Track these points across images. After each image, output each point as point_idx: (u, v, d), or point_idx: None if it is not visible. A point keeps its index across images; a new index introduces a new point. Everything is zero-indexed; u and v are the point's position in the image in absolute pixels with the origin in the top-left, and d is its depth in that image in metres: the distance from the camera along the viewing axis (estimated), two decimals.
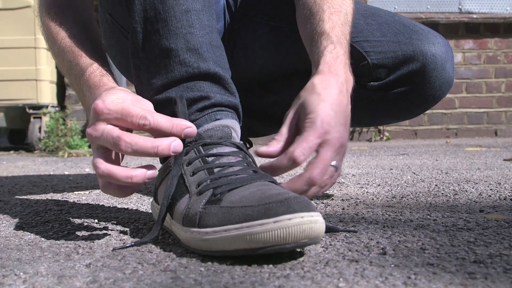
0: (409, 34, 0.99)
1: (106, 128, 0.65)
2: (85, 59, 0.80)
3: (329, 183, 0.74)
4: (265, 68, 1.13)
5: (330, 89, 0.74)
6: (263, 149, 0.73)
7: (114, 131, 0.64)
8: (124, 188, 0.67)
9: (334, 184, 0.74)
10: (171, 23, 0.74)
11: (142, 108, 0.66)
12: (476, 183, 1.28)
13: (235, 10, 1.12)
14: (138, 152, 0.64)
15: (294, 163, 0.70)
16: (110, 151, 0.67)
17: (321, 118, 0.71)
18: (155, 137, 0.66)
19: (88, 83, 0.77)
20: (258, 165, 0.72)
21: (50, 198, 1.22)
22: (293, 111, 0.76)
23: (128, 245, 0.68)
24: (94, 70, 0.78)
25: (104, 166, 0.65)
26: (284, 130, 0.75)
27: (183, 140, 0.67)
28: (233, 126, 0.75)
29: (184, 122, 0.66)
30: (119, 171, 0.64)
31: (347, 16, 0.87)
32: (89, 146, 3.42)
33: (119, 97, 0.68)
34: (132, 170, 0.65)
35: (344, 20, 0.85)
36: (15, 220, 0.93)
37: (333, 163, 0.73)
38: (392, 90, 1.01)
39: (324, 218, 0.61)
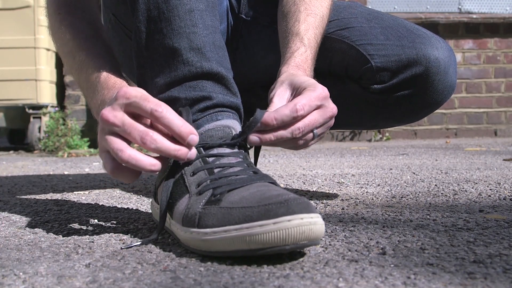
0: (412, 38, 0.99)
1: (127, 120, 0.66)
2: (101, 60, 0.81)
3: (304, 144, 0.77)
4: (267, 70, 1.13)
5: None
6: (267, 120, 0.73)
7: (139, 125, 0.66)
8: (135, 172, 0.69)
9: (307, 145, 0.78)
10: (174, 22, 0.75)
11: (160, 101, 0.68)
12: (476, 183, 1.28)
13: (238, 12, 1.12)
14: (160, 150, 0.65)
15: (294, 114, 0.72)
16: (125, 139, 0.67)
17: (322, 86, 0.77)
18: (159, 130, 0.67)
19: (107, 83, 0.77)
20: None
21: (49, 198, 1.22)
22: (284, 88, 0.79)
23: (134, 244, 0.69)
24: (113, 71, 0.79)
25: (130, 151, 0.66)
26: (281, 104, 0.77)
27: None
28: (234, 126, 0.75)
29: (193, 129, 0.67)
30: (144, 158, 0.66)
31: (323, 18, 0.95)
32: (89, 146, 3.42)
33: (141, 91, 0.68)
34: (153, 159, 0.66)
35: (319, 23, 0.94)
36: (14, 220, 0.93)
37: (315, 130, 0.77)
38: (395, 94, 1.01)
39: (324, 218, 0.61)
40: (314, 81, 0.78)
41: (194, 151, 0.67)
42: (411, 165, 1.84)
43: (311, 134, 0.77)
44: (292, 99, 0.77)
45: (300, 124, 0.74)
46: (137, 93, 0.66)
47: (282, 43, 0.93)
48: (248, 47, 1.13)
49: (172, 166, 0.71)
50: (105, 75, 0.77)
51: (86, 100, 0.83)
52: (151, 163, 0.66)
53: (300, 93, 0.76)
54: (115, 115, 0.66)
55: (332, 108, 0.77)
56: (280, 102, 0.77)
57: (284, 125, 0.73)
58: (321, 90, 0.76)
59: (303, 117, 0.74)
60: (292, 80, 0.79)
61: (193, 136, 0.66)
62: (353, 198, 1.08)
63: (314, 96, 0.75)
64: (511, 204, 0.97)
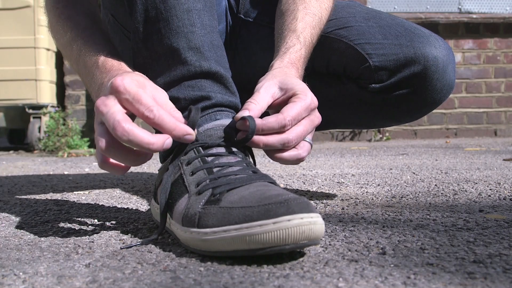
0: (410, 37, 0.99)
1: (112, 109, 0.64)
2: (98, 46, 0.80)
3: (305, 154, 0.77)
4: (266, 70, 1.13)
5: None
6: (245, 112, 0.73)
7: (118, 114, 0.64)
8: (122, 166, 0.67)
9: (305, 156, 0.78)
10: (172, 22, 0.75)
11: (154, 99, 0.66)
12: (476, 183, 1.28)
13: (237, 12, 1.12)
14: (132, 143, 0.63)
15: (282, 129, 0.72)
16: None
17: (312, 95, 0.76)
18: (155, 130, 0.66)
19: (105, 66, 0.75)
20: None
21: (49, 198, 1.22)
22: (274, 83, 0.77)
23: (134, 244, 0.69)
24: (111, 55, 0.77)
25: (107, 143, 0.64)
26: (267, 98, 0.75)
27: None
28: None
29: (186, 128, 0.66)
30: (119, 154, 0.64)
31: (321, 19, 0.94)
32: (89, 146, 3.42)
33: (138, 81, 0.67)
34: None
35: (317, 23, 0.93)
36: (14, 220, 0.93)
37: (309, 139, 0.77)
38: (394, 93, 1.01)
39: (324, 218, 0.61)
40: (304, 86, 0.77)
41: (170, 141, 0.65)
42: (411, 165, 1.84)
43: (309, 145, 0.77)
44: (280, 98, 0.76)
45: (291, 137, 0.73)
46: (131, 89, 0.65)
47: (277, 38, 0.92)
48: (247, 47, 1.13)
49: (171, 164, 0.71)
50: (102, 59, 0.76)
51: (86, 86, 0.83)
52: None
53: (289, 98, 0.75)
54: (106, 103, 0.65)
55: (318, 117, 0.78)
56: (265, 94, 0.76)
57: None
58: (311, 100, 0.75)
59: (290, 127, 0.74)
60: (284, 79, 0.78)
61: (187, 136, 0.66)
62: (353, 198, 1.08)
63: (304, 107, 0.74)
64: (511, 204, 0.97)
